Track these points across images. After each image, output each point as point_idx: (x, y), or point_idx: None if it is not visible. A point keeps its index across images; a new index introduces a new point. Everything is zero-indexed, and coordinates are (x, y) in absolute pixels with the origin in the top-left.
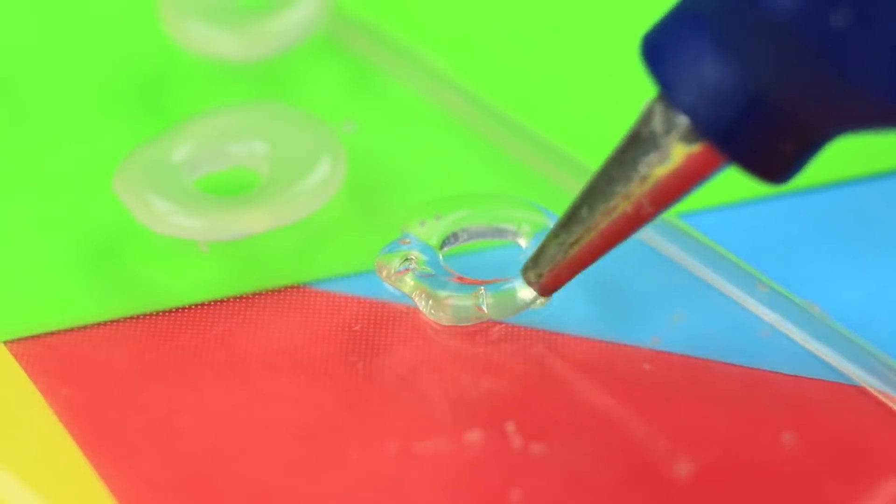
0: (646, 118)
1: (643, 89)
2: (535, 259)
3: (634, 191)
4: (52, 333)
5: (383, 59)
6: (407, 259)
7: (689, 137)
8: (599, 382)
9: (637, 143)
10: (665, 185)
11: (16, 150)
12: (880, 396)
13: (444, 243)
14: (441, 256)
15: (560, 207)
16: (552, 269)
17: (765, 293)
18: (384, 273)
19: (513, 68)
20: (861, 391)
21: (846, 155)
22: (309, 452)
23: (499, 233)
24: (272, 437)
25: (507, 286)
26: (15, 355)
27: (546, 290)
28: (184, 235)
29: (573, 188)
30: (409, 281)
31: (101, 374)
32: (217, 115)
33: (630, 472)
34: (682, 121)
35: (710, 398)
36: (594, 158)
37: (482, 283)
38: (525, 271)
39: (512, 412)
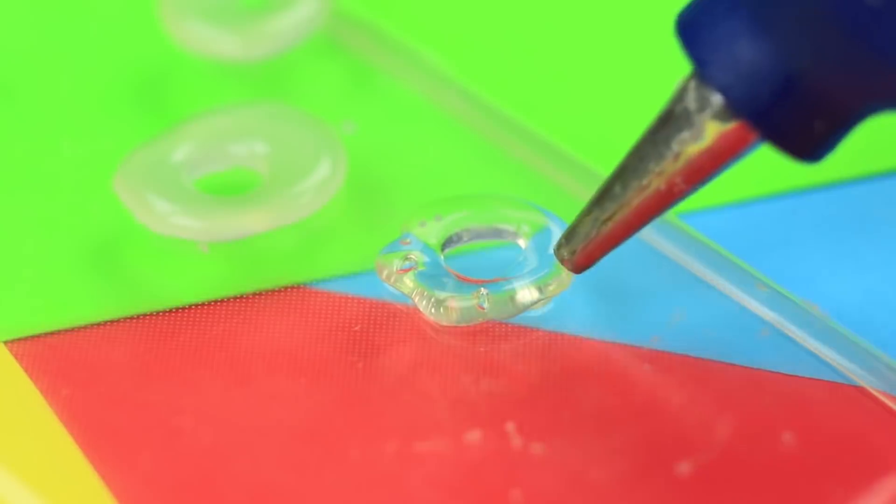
0: (679, 96)
1: (643, 89)
2: (568, 236)
3: (667, 168)
4: (52, 333)
5: (383, 59)
6: (407, 259)
7: (722, 115)
8: (599, 382)
9: (670, 121)
10: (698, 162)
11: (16, 150)
12: (880, 396)
13: (444, 244)
14: (441, 257)
15: (560, 207)
16: (585, 246)
17: (765, 293)
18: (384, 273)
19: (513, 68)
20: (861, 391)
21: (846, 155)
22: (309, 452)
23: (499, 233)
24: (272, 437)
25: (508, 286)
26: (15, 355)
27: (579, 268)
28: (184, 235)
29: (573, 188)
30: (408, 281)
31: (101, 374)
32: (217, 115)
33: (630, 471)
34: (716, 99)
35: (710, 398)
36: (594, 158)
37: (482, 282)
38: (558, 249)
39: (512, 412)
